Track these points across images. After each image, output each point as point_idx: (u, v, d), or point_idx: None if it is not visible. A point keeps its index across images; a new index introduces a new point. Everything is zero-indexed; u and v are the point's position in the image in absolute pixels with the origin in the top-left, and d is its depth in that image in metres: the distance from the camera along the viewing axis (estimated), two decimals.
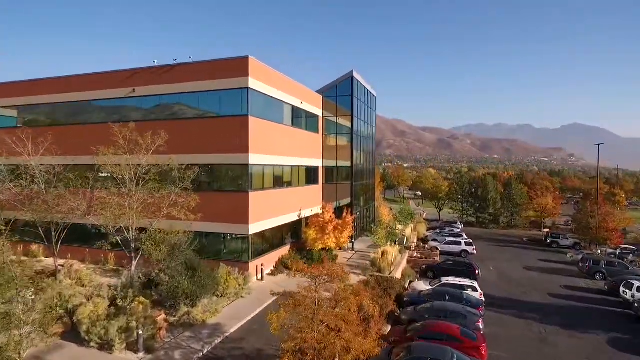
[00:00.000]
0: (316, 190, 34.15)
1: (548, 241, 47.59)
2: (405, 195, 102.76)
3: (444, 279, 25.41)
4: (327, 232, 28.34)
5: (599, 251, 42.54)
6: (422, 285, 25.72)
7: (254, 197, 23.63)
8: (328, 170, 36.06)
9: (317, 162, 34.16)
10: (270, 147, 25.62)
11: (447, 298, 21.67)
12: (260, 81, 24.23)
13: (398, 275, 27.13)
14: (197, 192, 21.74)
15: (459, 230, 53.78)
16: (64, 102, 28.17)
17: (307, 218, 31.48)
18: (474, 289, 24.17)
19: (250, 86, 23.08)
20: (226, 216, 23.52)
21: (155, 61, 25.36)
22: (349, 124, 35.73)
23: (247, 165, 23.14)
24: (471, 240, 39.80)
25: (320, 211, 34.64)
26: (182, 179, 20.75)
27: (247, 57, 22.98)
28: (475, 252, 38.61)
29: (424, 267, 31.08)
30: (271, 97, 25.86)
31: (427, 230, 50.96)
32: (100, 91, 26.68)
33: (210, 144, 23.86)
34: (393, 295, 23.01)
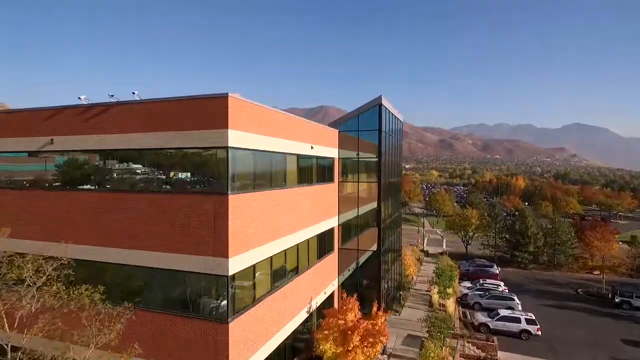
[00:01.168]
0: (331, 261, 24.69)
1: (617, 300, 38.02)
2: (418, 211, 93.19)
3: None
4: (353, 344, 18.88)
5: None
6: None
7: (237, 328, 14.14)
8: (345, 228, 26.62)
9: (332, 222, 24.68)
10: (265, 232, 16.12)
11: None
12: (248, 130, 14.75)
13: None
14: (140, 310, 13.34)
15: (496, 276, 44.59)
16: None
17: (319, 307, 22.14)
18: None
19: (231, 144, 13.59)
20: None
21: (83, 97, 15.89)
22: (371, 158, 26.34)
23: (226, 277, 13.68)
24: (533, 317, 30.12)
25: (335, 287, 25.39)
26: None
27: (225, 96, 13.43)
28: (539, 332, 29.07)
29: None
30: (266, 151, 16.39)
31: (460, 282, 41.49)
32: (2, 139, 17.21)
33: (162, 236, 14.34)
34: None
